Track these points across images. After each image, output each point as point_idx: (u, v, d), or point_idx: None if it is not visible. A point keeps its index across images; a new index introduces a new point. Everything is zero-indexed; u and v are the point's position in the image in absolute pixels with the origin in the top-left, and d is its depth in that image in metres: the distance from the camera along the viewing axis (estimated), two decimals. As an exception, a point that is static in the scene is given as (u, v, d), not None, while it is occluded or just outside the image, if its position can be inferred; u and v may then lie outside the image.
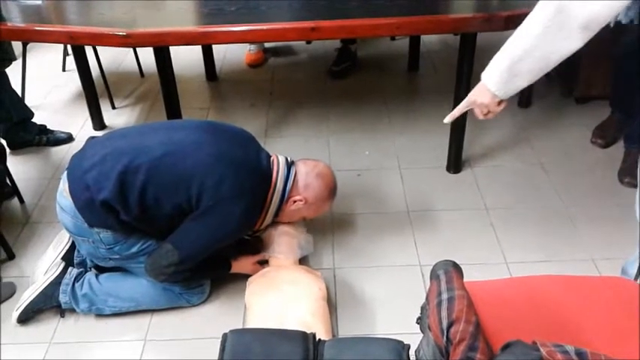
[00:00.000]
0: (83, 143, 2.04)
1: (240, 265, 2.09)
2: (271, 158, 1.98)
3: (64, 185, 1.89)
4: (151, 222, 1.87)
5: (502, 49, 1.52)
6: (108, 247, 1.90)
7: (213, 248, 1.92)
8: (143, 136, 1.91)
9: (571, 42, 1.42)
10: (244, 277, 2.06)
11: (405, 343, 1.42)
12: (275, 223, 2.12)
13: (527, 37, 1.45)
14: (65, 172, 1.90)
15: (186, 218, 1.84)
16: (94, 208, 1.81)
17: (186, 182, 1.79)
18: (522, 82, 1.53)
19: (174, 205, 1.82)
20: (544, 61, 1.46)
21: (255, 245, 2.16)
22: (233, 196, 1.81)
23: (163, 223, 1.86)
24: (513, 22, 2.13)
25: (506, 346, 1.12)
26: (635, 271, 1.71)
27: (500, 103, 1.61)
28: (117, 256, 1.94)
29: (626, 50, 2.52)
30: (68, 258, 2.09)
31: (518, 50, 1.48)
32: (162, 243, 1.86)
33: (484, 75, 1.58)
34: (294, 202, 1.97)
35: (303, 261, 2.17)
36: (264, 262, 2.11)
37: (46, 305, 2.00)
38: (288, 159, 2.01)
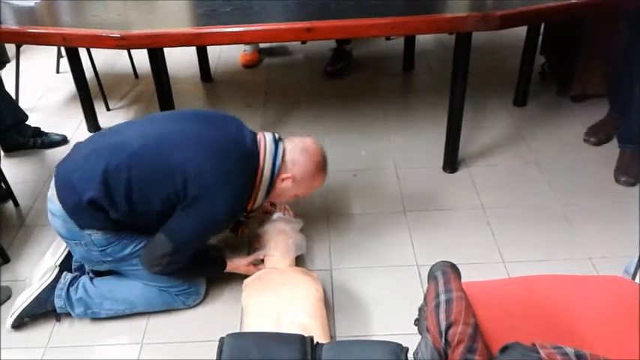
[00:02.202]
0: (77, 146, 2.04)
1: (234, 265, 2.08)
2: (257, 136, 1.92)
3: (52, 190, 1.89)
4: (141, 217, 1.85)
5: None
6: (100, 249, 1.89)
7: (208, 235, 1.92)
8: (122, 132, 1.91)
9: None
10: (240, 279, 2.05)
11: (404, 344, 1.41)
12: (272, 222, 2.12)
13: None
14: (53, 178, 1.90)
15: (176, 209, 1.82)
16: (83, 209, 1.81)
17: (169, 174, 1.76)
18: None
19: (161, 199, 1.80)
20: None
21: (250, 241, 2.15)
22: (218, 182, 1.78)
23: (154, 217, 1.84)
24: (508, 21, 2.14)
25: (505, 348, 1.12)
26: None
27: None
28: (110, 259, 1.93)
29: (628, 46, 2.50)
30: (66, 265, 2.09)
31: None
32: (156, 234, 1.84)
33: None
34: (283, 180, 1.92)
35: (299, 262, 2.16)
36: (259, 263, 2.10)
37: (41, 310, 1.99)
38: (276, 135, 1.96)
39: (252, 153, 1.87)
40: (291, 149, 1.94)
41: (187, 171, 1.76)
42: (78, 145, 1.97)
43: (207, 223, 1.85)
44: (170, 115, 1.99)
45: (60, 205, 1.84)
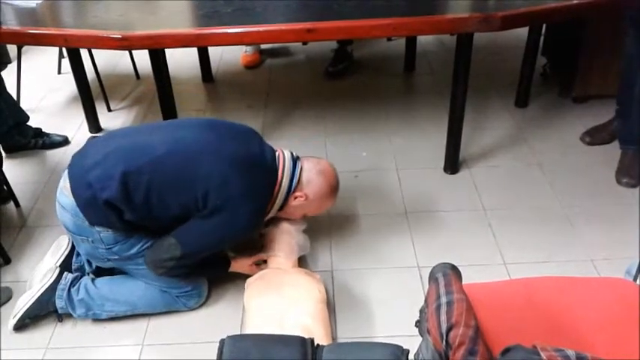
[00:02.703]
0: (79, 146, 2.03)
1: (238, 265, 2.08)
2: (276, 153, 1.96)
3: (64, 183, 1.87)
4: (156, 221, 1.86)
5: None
6: (107, 246, 1.89)
7: (219, 247, 1.93)
8: (145, 135, 1.91)
9: None
10: (242, 279, 2.05)
11: (405, 346, 1.41)
12: (276, 222, 2.12)
13: None
14: (66, 170, 1.89)
15: (192, 216, 1.83)
16: (97, 207, 1.80)
17: (191, 182, 1.78)
18: None
19: (180, 205, 1.81)
20: None
21: (254, 243, 2.14)
22: (241, 194, 1.80)
23: (168, 222, 1.85)
24: (510, 22, 2.14)
25: (506, 351, 1.12)
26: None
27: None
28: (116, 257, 1.93)
29: (631, 47, 2.48)
30: (66, 265, 2.08)
31: None
32: (166, 236, 1.85)
33: None
34: (295, 198, 1.97)
35: (301, 263, 2.16)
36: (262, 263, 2.10)
37: (43, 312, 1.99)
38: (294, 154, 2.00)
39: (272, 169, 1.91)
40: (307, 169, 1.98)
41: (211, 181, 1.77)
42: (95, 140, 1.96)
43: (223, 235, 1.86)
44: (194, 122, 2.00)
45: (72, 200, 1.83)
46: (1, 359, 1.90)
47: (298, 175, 1.95)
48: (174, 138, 1.86)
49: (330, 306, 2.03)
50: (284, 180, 1.92)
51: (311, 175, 1.98)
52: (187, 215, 1.83)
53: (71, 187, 1.84)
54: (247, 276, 2.05)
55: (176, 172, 1.80)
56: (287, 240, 2.09)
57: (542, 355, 1.06)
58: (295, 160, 1.98)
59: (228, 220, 1.82)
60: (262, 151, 1.92)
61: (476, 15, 2.13)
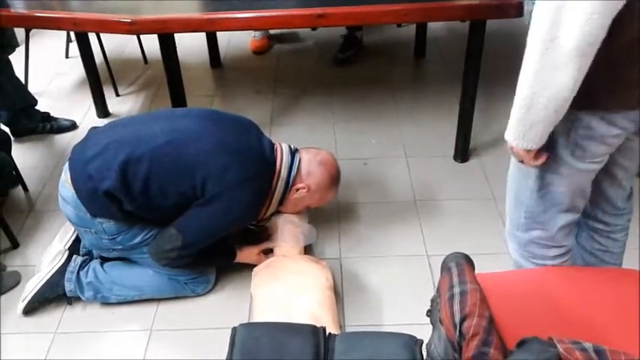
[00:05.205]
0: (87, 131, 2.03)
1: (244, 255, 2.08)
2: (274, 146, 1.97)
3: (65, 176, 1.87)
4: (155, 211, 1.86)
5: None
6: (111, 237, 1.89)
7: (218, 235, 1.92)
8: (145, 125, 1.90)
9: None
10: (250, 267, 2.04)
11: (414, 334, 1.40)
12: (279, 212, 2.11)
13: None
14: (67, 163, 1.89)
15: (191, 205, 1.83)
16: (97, 199, 1.80)
17: (190, 171, 1.78)
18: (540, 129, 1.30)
19: (179, 194, 1.81)
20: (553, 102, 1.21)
21: (259, 235, 2.14)
22: (239, 182, 1.80)
23: (168, 212, 1.85)
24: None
25: (522, 343, 1.10)
26: None
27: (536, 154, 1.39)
28: (120, 247, 1.93)
29: None
30: (74, 249, 2.08)
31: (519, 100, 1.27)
32: (167, 227, 1.85)
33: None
34: (297, 190, 1.97)
35: (308, 251, 2.16)
36: (268, 252, 2.10)
37: (52, 294, 1.99)
38: (292, 147, 2.01)
39: (270, 161, 1.91)
40: (307, 160, 1.99)
41: (209, 169, 1.78)
42: (96, 130, 1.95)
43: (220, 222, 1.86)
44: (194, 113, 2.00)
45: (73, 192, 1.84)
46: (0, 347, 1.90)
47: (297, 166, 1.96)
48: (174, 128, 1.86)
49: (338, 294, 2.02)
50: (282, 171, 1.92)
51: (311, 166, 1.98)
52: (186, 204, 1.83)
53: (72, 179, 1.85)
54: (254, 264, 2.05)
55: (175, 161, 1.80)
56: (292, 229, 2.08)
57: (559, 347, 1.05)
58: (294, 152, 1.99)
59: (226, 208, 1.82)
60: (260, 143, 1.92)
61: (491, 1, 2.09)
